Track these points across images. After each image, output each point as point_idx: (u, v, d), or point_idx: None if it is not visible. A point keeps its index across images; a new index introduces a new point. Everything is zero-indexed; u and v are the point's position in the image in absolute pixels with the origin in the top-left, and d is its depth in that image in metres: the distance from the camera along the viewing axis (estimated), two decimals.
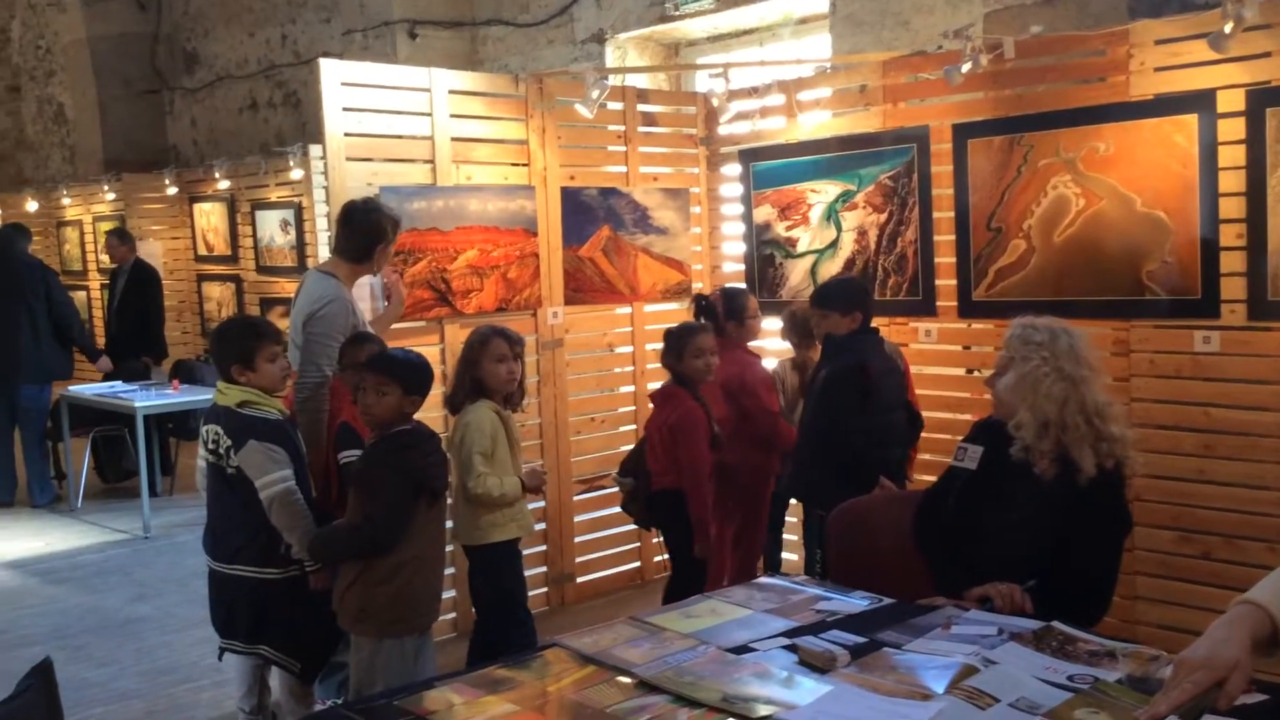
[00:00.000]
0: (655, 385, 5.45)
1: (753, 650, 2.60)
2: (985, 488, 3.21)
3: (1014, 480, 3.13)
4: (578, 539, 5.63)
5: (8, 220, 12.89)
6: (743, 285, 5.66)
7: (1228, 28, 3.94)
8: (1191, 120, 4.24)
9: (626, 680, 2.46)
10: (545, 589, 5.49)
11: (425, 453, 3.57)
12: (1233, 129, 4.15)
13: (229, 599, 3.88)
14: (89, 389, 8.09)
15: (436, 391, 4.59)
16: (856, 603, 2.93)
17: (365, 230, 4.32)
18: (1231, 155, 4.17)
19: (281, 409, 3.87)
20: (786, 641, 2.63)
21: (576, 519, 5.62)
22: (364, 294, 4.60)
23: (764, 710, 2.25)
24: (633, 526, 5.59)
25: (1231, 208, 4.19)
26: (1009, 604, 2.94)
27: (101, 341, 10.31)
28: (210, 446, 3.81)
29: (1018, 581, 2.99)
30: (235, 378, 3.81)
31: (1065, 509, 3.05)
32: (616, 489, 5.03)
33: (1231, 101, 4.15)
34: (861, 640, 2.61)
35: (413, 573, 3.52)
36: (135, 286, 8.98)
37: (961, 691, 2.28)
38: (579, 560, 5.65)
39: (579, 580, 5.64)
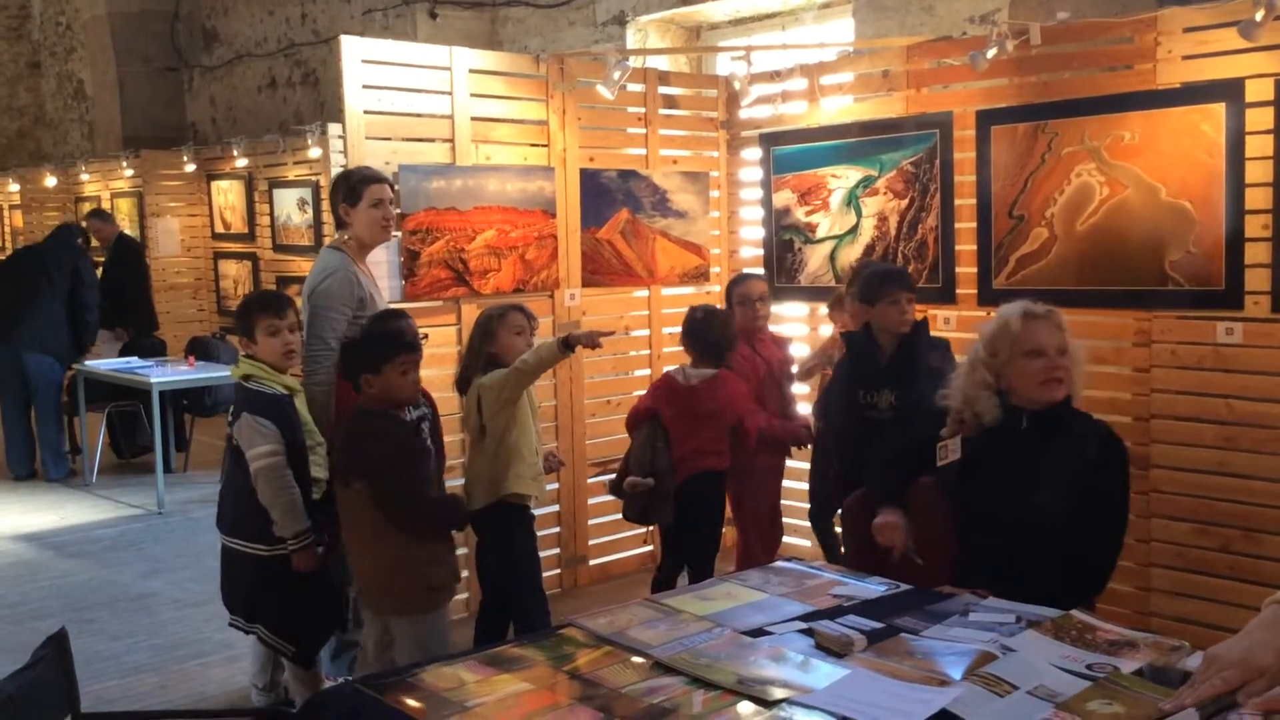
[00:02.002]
0: (672, 369, 5.42)
1: (769, 634, 2.58)
2: (976, 470, 3.24)
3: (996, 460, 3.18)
4: (591, 521, 5.62)
5: (26, 196, 12.96)
6: (754, 271, 5.58)
7: (1258, 15, 3.89)
8: (1219, 109, 4.19)
9: (642, 661, 2.44)
10: (558, 571, 5.49)
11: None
12: (1261, 118, 4.10)
13: (233, 573, 3.90)
14: (105, 364, 8.10)
15: (445, 372, 4.60)
16: (873, 588, 2.91)
17: (332, 194, 4.27)
18: (1259, 145, 4.12)
19: (290, 385, 3.84)
20: (803, 625, 2.61)
21: (590, 501, 5.61)
22: (381, 272, 4.57)
23: (780, 693, 2.23)
24: None
25: (1258, 198, 4.14)
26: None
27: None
28: (230, 417, 3.85)
29: (1036, 564, 3.00)
30: (243, 350, 3.88)
31: (1091, 485, 3.11)
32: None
33: (1260, 91, 4.09)
34: (878, 625, 2.59)
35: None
36: (117, 261, 9.00)
37: (979, 678, 2.27)
38: (592, 543, 5.64)
39: (591, 563, 5.63)
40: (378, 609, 3.67)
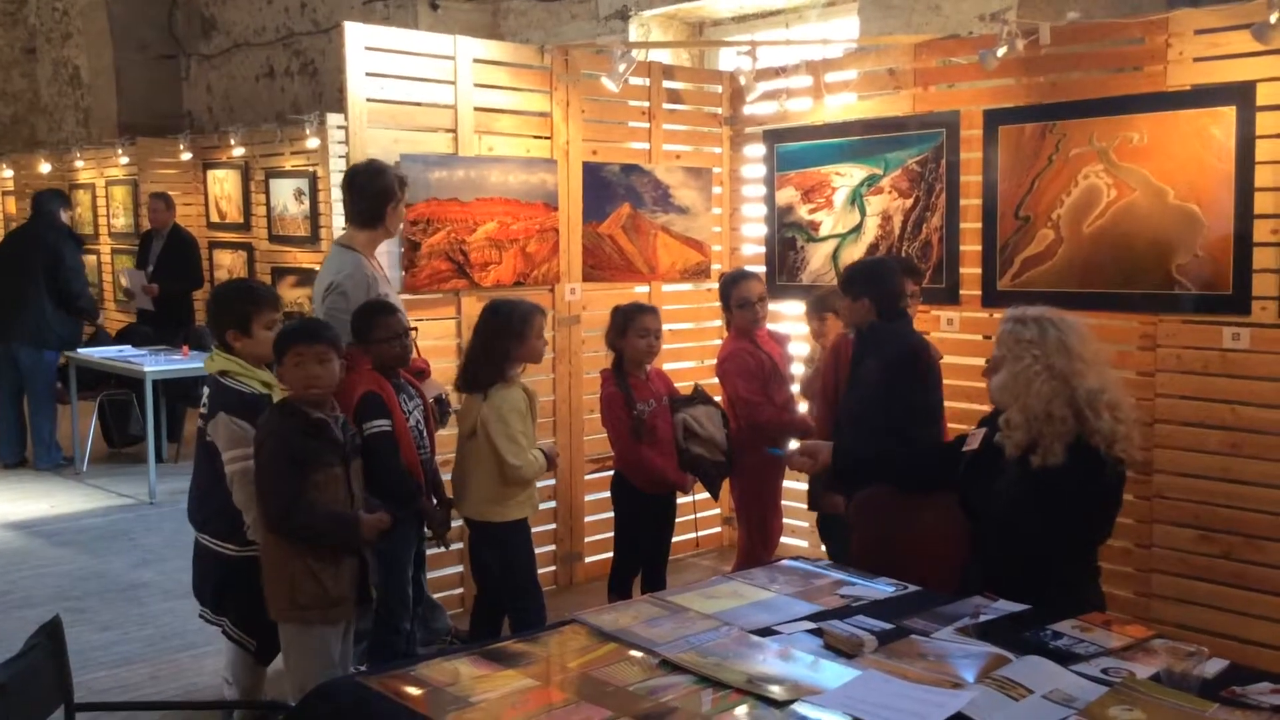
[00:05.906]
0: (672, 366, 5.40)
1: (777, 633, 2.55)
2: (984, 466, 3.22)
3: (1002, 460, 3.15)
4: (587, 518, 5.57)
5: (20, 182, 12.88)
6: (750, 269, 5.44)
7: (1272, 18, 3.86)
8: (1229, 112, 4.16)
9: (647, 658, 2.40)
10: (554, 567, 5.44)
11: None
12: (1272, 122, 4.07)
13: (203, 567, 3.83)
14: (97, 352, 8.02)
15: (445, 365, 4.55)
16: (882, 589, 2.87)
17: (373, 193, 4.20)
18: (1269, 149, 4.09)
19: (267, 381, 3.63)
20: (811, 625, 2.58)
21: (587, 498, 5.56)
22: (382, 263, 4.51)
23: (791, 693, 2.19)
24: None
25: (1267, 203, 4.11)
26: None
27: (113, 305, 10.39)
28: (203, 410, 3.72)
29: (1010, 566, 3.00)
30: (230, 343, 3.67)
31: (1035, 491, 3.03)
32: None
33: (1271, 94, 4.06)
34: (888, 626, 2.55)
35: None
36: (175, 252, 8.92)
37: (992, 681, 2.23)
38: (588, 540, 5.59)
39: (587, 560, 5.58)
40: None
